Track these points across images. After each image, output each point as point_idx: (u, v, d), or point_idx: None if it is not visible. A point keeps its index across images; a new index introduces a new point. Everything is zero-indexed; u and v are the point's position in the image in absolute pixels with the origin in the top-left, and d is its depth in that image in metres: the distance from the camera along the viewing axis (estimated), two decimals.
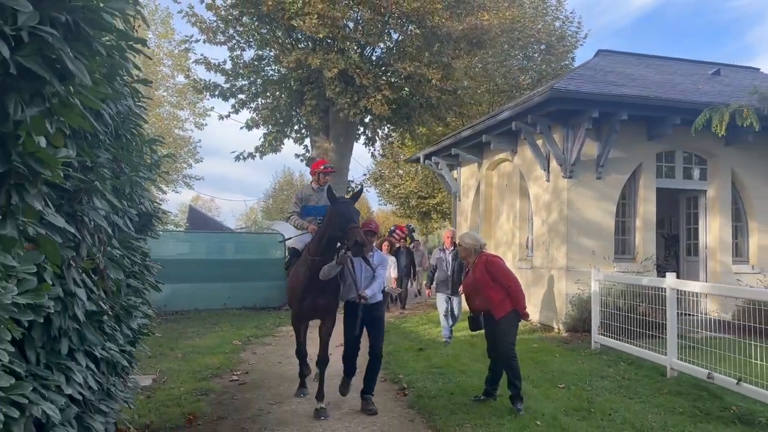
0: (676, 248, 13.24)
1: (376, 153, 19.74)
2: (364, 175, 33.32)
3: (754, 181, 11.66)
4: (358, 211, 5.85)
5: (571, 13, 39.98)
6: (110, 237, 3.75)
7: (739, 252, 11.94)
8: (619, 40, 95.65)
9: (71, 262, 3.17)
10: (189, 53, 19.99)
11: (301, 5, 14.54)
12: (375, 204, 45.75)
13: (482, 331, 6.37)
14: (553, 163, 10.91)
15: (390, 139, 20.02)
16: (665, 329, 7.32)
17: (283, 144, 18.68)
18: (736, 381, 5.98)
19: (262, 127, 18.36)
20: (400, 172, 31.58)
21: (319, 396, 5.93)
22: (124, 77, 3.57)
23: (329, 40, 15.10)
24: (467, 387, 6.67)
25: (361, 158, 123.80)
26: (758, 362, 5.92)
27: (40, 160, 2.19)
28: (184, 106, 36.73)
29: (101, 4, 2.06)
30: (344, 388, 6.27)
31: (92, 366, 3.86)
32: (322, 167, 7.15)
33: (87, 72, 2.05)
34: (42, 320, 3.10)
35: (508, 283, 6.07)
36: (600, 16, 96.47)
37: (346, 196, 6.71)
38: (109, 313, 4.06)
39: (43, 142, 2.13)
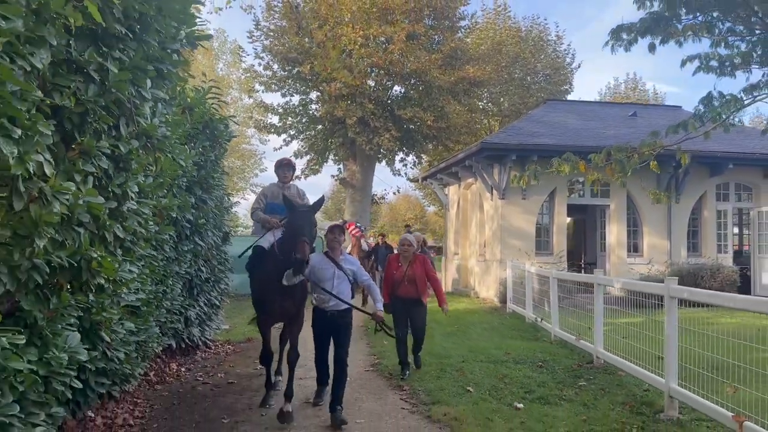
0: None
1: (395, 171, 24.44)
2: (384, 189, 37.96)
3: (644, 198, 15.76)
4: (314, 222, 5.57)
5: (569, 45, 43.19)
6: (212, 246, 8.73)
7: (636, 249, 16.10)
8: None
9: (199, 255, 8.18)
10: (252, 100, 25.40)
11: (329, 72, 19.49)
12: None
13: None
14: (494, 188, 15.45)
15: (404, 161, 24.81)
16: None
17: (321, 169, 23.78)
18: (540, 319, 10.52)
19: (305, 156, 23.49)
20: None
21: (288, 393, 5.56)
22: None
23: (351, 95, 19.97)
24: None
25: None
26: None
27: (200, 225, 7.16)
28: (250, 125, 42.36)
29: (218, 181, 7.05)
30: (317, 398, 6.03)
31: (205, 302, 8.89)
32: (282, 161, 6.70)
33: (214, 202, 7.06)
34: (189, 279, 8.12)
35: (437, 279, 7.54)
36: None
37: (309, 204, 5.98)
38: (211, 279, 9.08)
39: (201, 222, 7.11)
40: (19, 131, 2.49)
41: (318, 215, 6.16)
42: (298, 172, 24.26)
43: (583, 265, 18.62)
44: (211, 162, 6.96)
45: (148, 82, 3.71)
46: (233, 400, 6.41)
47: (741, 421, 4.31)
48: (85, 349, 3.95)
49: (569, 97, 32.43)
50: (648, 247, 15.93)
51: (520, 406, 5.78)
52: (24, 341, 3.14)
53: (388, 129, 19.99)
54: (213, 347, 9.66)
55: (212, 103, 7.16)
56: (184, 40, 4.30)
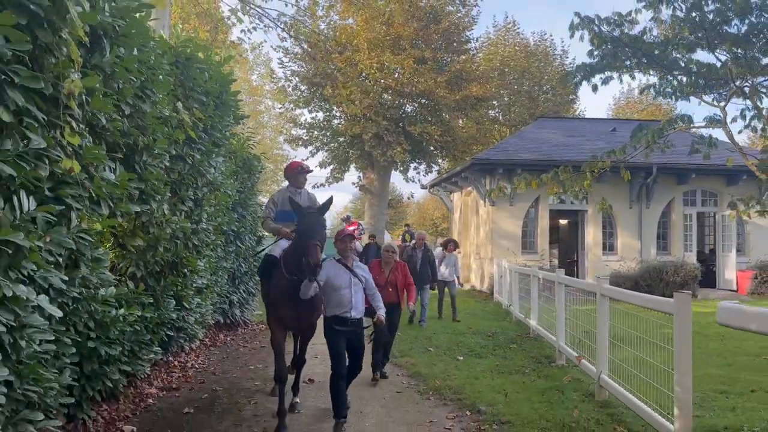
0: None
1: (409, 179, 26.96)
2: (402, 194, 40.57)
3: (617, 203, 17.94)
4: (324, 224, 5.36)
5: (574, 59, 44.56)
6: (249, 248, 11.38)
7: (612, 248, 18.30)
8: None
9: (240, 255, 10.86)
10: (283, 115, 28.20)
11: (348, 93, 22.08)
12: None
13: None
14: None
15: (417, 170, 27.25)
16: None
17: (344, 177, 26.43)
18: (509, 305, 12.91)
19: (329, 166, 26.14)
20: None
21: (295, 389, 5.75)
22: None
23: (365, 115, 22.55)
24: None
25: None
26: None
27: (240, 232, 9.80)
28: (282, 132, 45.22)
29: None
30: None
31: (244, 290, 11.57)
32: (298, 168, 6.32)
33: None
34: (233, 272, 10.82)
35: (413, 285, 7.83)
36: None
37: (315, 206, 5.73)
38: (248, 273, 11.74)
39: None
40: (159, 196, 5.10)
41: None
42: (322, 180, 26.95)
43: (576, 262, 20.81)
44: (248, 188, 9.63)
45: (213, 155, 6.33)
46: (266, 355, 9.00)
47: (579, 359, 6.73)
48: (176, 311, 6.60)
49: (576, 107, 34.55)
50: (621, 246, 18.12)
51: (461, 358, 8.25)
52: (151, 301, 5.76)
53: (400, 143, 22.51)
54: (249, 325, 12.30)
55: (249, 144, 9.80)
56: (232, 121, 6.92)
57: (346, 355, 5.32)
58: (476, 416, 5.55)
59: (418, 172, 26.70)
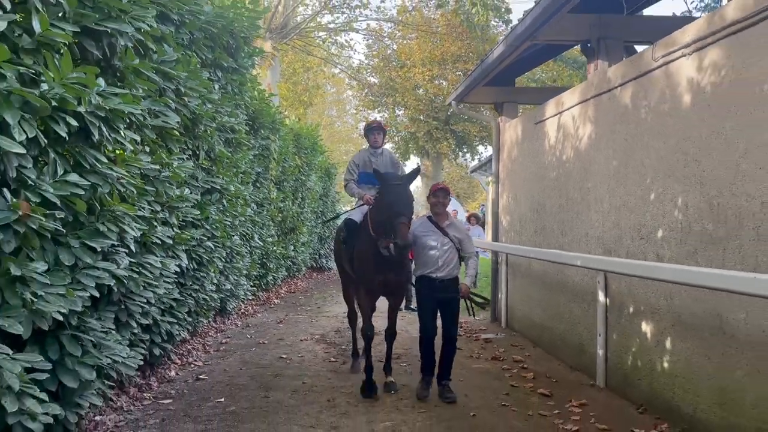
0: None
1: (457, 165, 32.61)
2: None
3: None
4: (412, 197, 4.91)
5: None
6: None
7: None
8: None
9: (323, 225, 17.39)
10: (358, 113, 34.57)
11: (402, 101, 28.02)
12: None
13: None
14: None
15: (465, 157, 32.88)
16: None
17: (406, 164, 32.54)
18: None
19: None
20: None
21: (387, 369, 5.35)
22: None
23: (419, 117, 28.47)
24: None
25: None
26: None
27: (324, 212, 16.24)
28: (357, 127, 50.86)
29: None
30: (423, 390, 5.09)
31: (328, 248, 18.15)
32: (374, 124, 6.16)
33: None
34: (320, 235, 17.38)
35: None
36: None
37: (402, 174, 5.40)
38: (329, 237, 18.26)
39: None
40: (288, 198, 11.50)
41: None
42: None
43: None
44: (327, 185, 16.10)
45: (309, 175, 12.74)
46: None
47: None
48: (293, 251, 13.08)
49: None
50: None
51: None
52: (284, 245, 12.19)
53: (447, 138, 28.28)
54: (332, 270, 18.79)
55: (328, 159, 16.17)
56: (319, 154, 13.29)
57: (440, 317, 5.11)
58: None
59: (465, 159, 32.39)
